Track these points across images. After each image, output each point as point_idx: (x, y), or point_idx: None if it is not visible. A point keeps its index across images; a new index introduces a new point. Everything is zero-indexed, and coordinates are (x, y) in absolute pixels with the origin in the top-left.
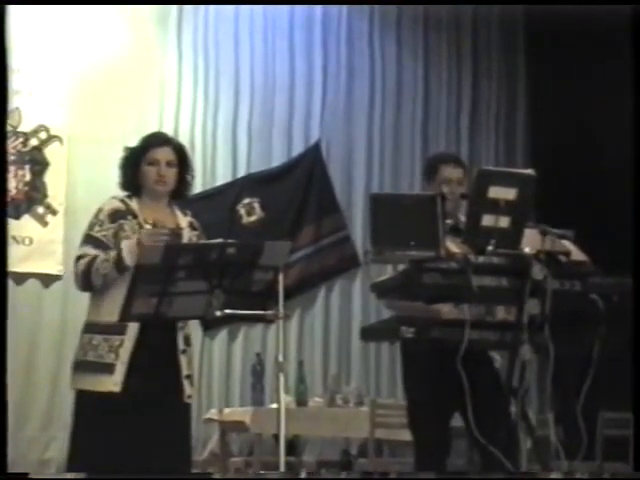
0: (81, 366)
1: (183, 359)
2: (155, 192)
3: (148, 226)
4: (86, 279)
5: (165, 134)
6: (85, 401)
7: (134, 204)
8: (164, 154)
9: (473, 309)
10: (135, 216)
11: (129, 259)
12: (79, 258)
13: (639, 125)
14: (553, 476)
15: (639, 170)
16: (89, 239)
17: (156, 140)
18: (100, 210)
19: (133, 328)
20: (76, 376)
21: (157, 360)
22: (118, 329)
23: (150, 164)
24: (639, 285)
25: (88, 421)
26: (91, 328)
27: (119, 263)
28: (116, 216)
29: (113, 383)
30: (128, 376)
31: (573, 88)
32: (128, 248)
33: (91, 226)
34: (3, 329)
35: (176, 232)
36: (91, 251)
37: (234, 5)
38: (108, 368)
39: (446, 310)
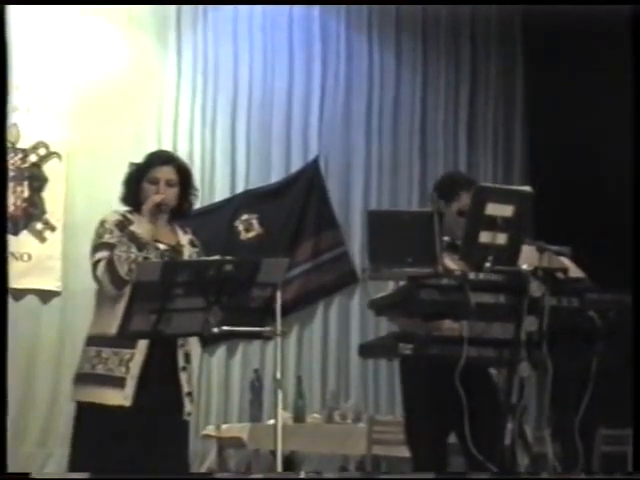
0: (88, 379)
1: (183, 376)
2: (150, 217)
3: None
4: (113, 274)
5: (169, 153)
6: (89, 414)
7: (135, 220)
8: (164, 173)
9: (471, 326)
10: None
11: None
12: (97, 263)
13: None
14: (544, 476)
15: (639, 186)
16: (102, 246)
17: (159, 159)
18: (105, 221)
19: (143, 342)
20: (81, 389)
21: (162, 376)
22: (128, 342)
23: (150, 182)
24: (639, 301)
25: (91, 434)
26: (98, 341)
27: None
28: (122, 226)
29: (124, 397)
30: (137, 390)
31: (572, 104)
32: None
33: (100, 235)
34: (3, 342)
35: (176, 249)
36: (106, 254)
37: (232, 5)
38: (119, 382)
39: (447, 326)
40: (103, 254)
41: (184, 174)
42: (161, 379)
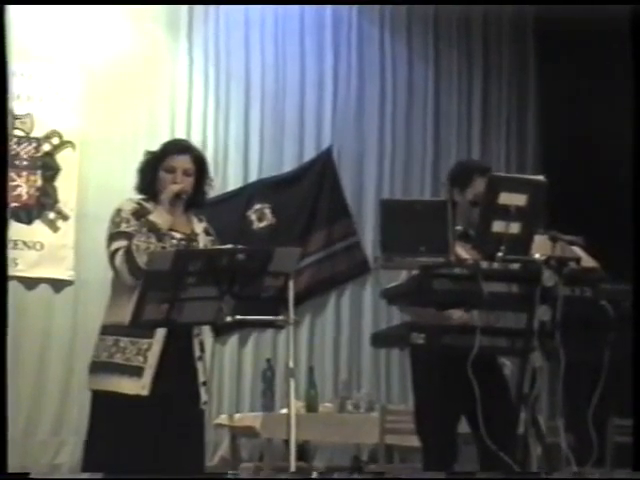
0: (105, 368)
1: (199, 365)
2: (169, 206)
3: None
4: (132, 264)
5: (186, 142)
6: (105, 403)
7: (152, 208)
8: (181, 162)
9: (483, 315)
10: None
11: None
12: (115, 252)
13: None
14: (556, 476)
15: None
16: (119, 235)
17: (175, 147)
18: (121, 210)
19: (161, 332)
20: (98, 377)
21: (179, 365)
22: (146, 332)
23: (167, 171)
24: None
25: (107, 422)
26: (115, 330)
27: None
28: (139, 215)
29: (142, 386)
30: (154, 380)
31: (585, 92)
32: None
33: (117, 224)
34: (3, 332)
35: (192, 238)
36: (123, 243)
37: (243, 5)
38: (137, 371)
39: (457, 315)
40: (121, 243)
41: (200, 164)
42: (178, 368)
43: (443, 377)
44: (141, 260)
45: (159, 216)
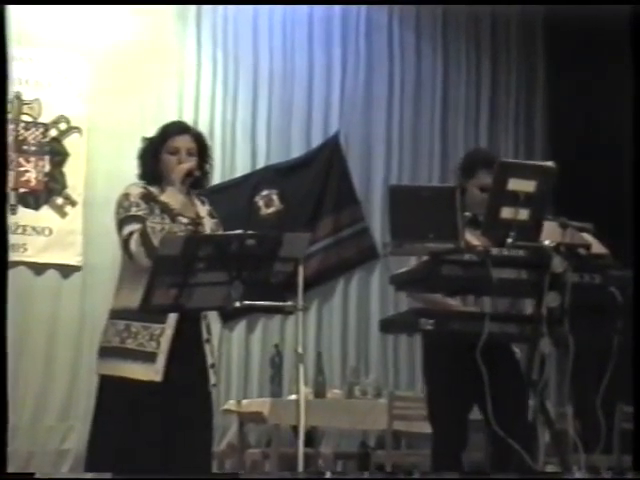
0: (117, 353)
1: (207, 348)
2: (180, 185)
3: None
4: (148, 246)
5: (184, 122)
6: (114, 387)
7: (156, 192)
8: (184, 142)
9: (492, 301)
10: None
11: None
12: (129, 236)
13: None
14: (567, 476)
15: None
16: (131, 218)
17: (175, 128)
18: (129, 194)
19: (172, 316)
20: (109, 362)
21: (189, 349)
22: (159, 317)
23: (170, 153)
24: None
25: (116, 407)
26: (126, 314)
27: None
28: (148, 199)
29: (155, 372)
30: (166, 365)
31: (592, 80)
32: None
33: (126, 208)
34: (3, 341)
35: (197, 222)
36: (137, 226)
37: (250, 5)
38: (150, 357)
39: (453, 303)
40: (134, 226)
41: (202, 143)
42: (188, 353)
43: (455, 363)
44: (157, 242)
45: (171, 196)
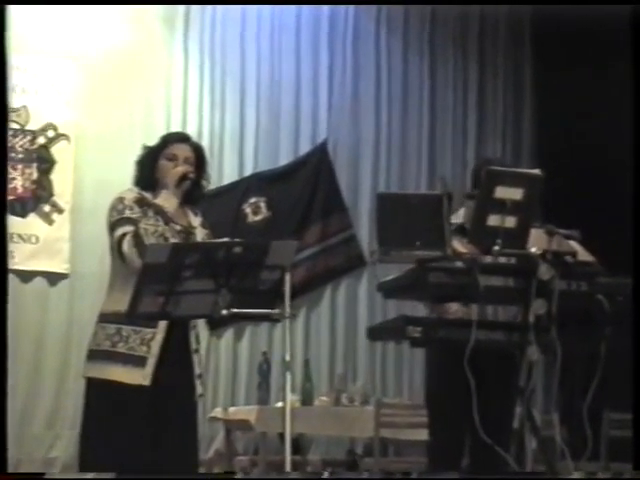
0: (107, 356)
1: (195, 358)
2: (174, 189)
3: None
4: (141, 247)
5: (185, 133)
6: (103, 391)
7: (150, 198)
8: (183, 150)
9: (480, 309)
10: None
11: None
12: (121, 238)
13: None
14: (561, 476)
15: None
16: (124, 221)
17: (176, 137)
18: (123, 198)
19: (164, 322)
20: (98, 366)
21: (178, 356)
22: (150, 321)
23: (168, 159)
24: (639, 285)
25: (104, 411)
26: (116, 318)
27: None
28: (142, 203)
29: (143, 376)
30: (155, 370)
31: (580, 86)
32: None
33: (120, 211)
34: (3, 329)
35: (189, 231)
36: (130, 228)
37: (239, 5)
38: (140, 361)
39: (453, 309)
40: (127, 228)
41: (199, 154)
42: (177, 359)
43: (454, 371)
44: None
45: (165, 200)
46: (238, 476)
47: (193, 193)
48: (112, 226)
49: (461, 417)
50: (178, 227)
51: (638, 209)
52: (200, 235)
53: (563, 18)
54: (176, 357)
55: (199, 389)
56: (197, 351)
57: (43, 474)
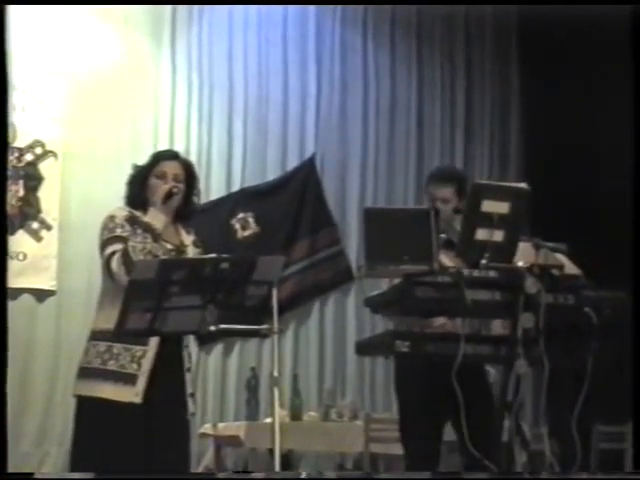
0: (98, 374)
1: (188, 376)
2: (161, 205)
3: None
4: (129, 265)
5: (175, 150)
6: (92, 409)
7: (141, 216)
8: (172, 168)
9: (467, 323)
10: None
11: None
12: (111, 256)
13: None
14: (544, 476)
15: (637, 183)
16: (114, 239)
17: (165, 154)
18: (114, 216)
19: (155, 339)
20: (89, 384)
21: (170, 374)
22: (140, 339)
23: (157, 177)
24: (639, 299)
25: (95, 429)
26: (107, 335)
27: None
28: (132, 222)
29: (135, 394)
30: (146, 387)
31: (568, 100)
32: None
33: (111, 230)
34: (3, 342)
35: (181, 250)
36: (119, 246)
37: (226, 10)
38: (131, 379)
39: (438, 323)
40: (117, 246)
41: (190, 172)
42: (169, 378)
43: (427, 384)
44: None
45: (153, 217)
46: None
47: (184, 210)
48: (103, 244)
49: (436, 431)
50: (169, 245)
51: (638, 220)
52: (192, 253)
53: (550, 28)
54: (168, 375)
55: (191, 408)
56: (189, 370)
57: (32, 474)
